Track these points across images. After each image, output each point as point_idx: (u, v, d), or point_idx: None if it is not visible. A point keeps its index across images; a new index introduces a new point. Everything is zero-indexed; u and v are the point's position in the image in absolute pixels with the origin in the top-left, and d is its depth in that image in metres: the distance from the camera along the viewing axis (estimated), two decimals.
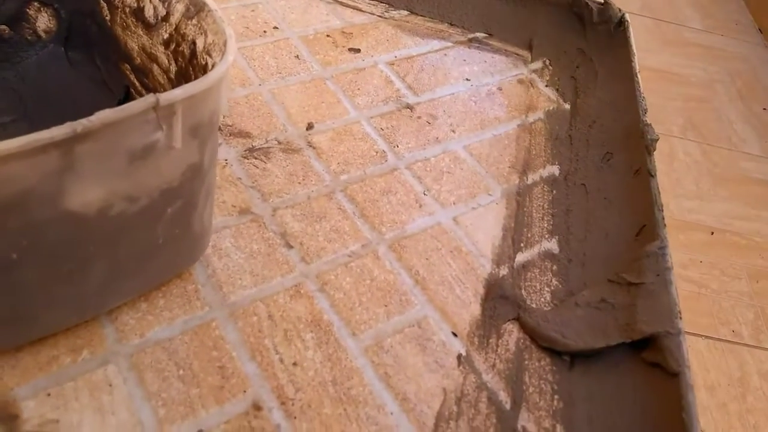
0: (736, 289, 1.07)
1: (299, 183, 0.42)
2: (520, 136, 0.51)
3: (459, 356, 0.35)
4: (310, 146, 0.45)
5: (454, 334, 0.36)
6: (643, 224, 0.43)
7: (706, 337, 0.99)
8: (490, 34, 0.61)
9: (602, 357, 0.36)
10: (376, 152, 0.46)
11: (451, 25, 0.61)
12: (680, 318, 0.36)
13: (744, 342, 0.98)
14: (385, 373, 0.33)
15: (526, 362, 0.36)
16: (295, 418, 0.30)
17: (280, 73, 0.50)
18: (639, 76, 0.55)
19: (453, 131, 0.50)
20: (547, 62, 0.60)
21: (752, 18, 1.96)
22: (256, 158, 0.42)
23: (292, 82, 0.49)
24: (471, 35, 0.60)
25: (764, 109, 1.67)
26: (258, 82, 0.48)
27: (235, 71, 0.48)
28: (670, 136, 1.53)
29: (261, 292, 0.35)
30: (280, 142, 0.44)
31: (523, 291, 0.39)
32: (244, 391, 0.31)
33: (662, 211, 0.43)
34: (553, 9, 0.64)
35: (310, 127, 0.46)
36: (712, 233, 1.20)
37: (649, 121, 0.49)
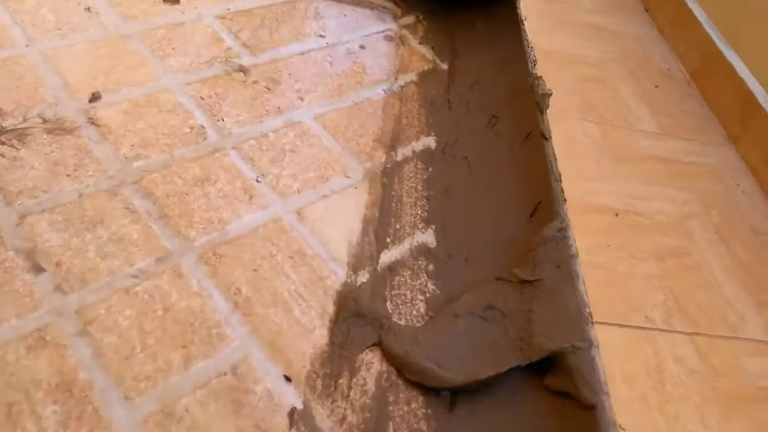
0: (644, 272, 1.03)
1: (68, 175, 0.30)
2: (388, 103, 0.41)
3: (292, 412, 0.24)
4: (92, 123, 0.32)
5: (288, 378, 0.25)
6: (539, 201, 0.34)
7: (620, 325, 0.94)
8: None
9: (492, 388, 0.26)
10: (191, 128, 0.34)
11: None
12: (591, 324, 0.27)
13: (657, 327, 0.94)
14: None
15: (391, 408, 0.25)
16: None
17: (59, 29, 0.37)
18: (525, 24, 0.46)
19: (301, 99, 0.39)
20: (421, 17, 0.50)
21: None
22: (4, 144, 0.30)
23: (76, 41, 0.37)
24: None
25: (656, 86, 1.67)
26: (24, 42, 0.35)
27: None
28: (569, 118, 1.49)
29: None
30: (45, 120, 0.32)
31: (388, 303, 0.29)
32: None
33: (560, 181, 0.33)
34: None
35: (95, 98, 0.34)
36: (617, 215, 1.16)
37: (539, 74, 0.40)
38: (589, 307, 0.28)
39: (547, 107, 0.38)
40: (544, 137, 0.35)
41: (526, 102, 0.39)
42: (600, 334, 0.30)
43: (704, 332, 0.95)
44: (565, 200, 0.32)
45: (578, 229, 0.31)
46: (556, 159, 0.34)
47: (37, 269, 0.26)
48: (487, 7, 0.48)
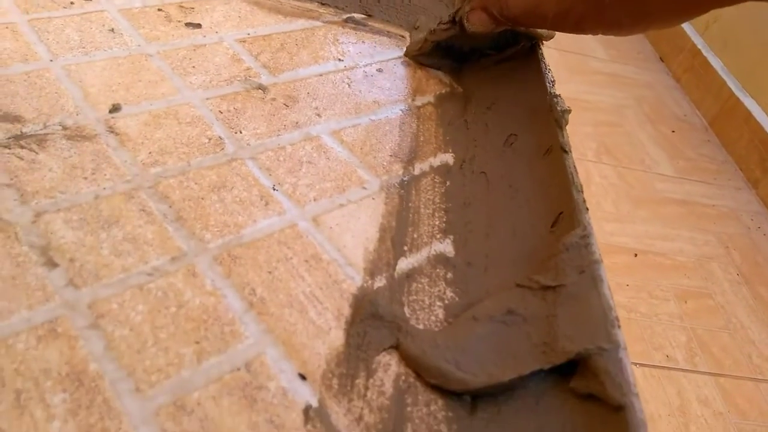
0: (665, 311, 1.00)
1: (85, 178, 0.30)
2: (405, 122, 0.41)
3: (307, 409, 0.23)
4: (111, 132, 0.33)
5: (303, 377, 0.24)
6: (560, 211, 0.33)
7: (641, 364, 0.91)
8: (369, 15, 0.52)
9: (515, 393, 0.25)
10: (209, 139, 0.34)
11: (323, 4, 0.51)
12: (618, 327, 0.26)
13: (679, 367, 0.92)
14: None
15: (409, 409, 0.24)
16: None
17: (83, 47, 0.38)
18: (542, 47, 0.46)
19: (318, 115, 0.39)
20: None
21: (653, 48, 2.01)
22: (23, 147, 0.30)
23: (98, 57, 0.37)
24: (346, 15, 0.51)
25: (672, 131, 1.67)
26: (48, 57, 0.36)
27: (13, 44, 0.36)
28: (585, 160, 1.49)
29: None
30: (65, 128, 0.32)
31: (406, 308, 0.28)
32: None
33: (582, 192, 0.33)
34: None
35: (115, 108, 0.34)
36: (636, 255, 1.14)
37: (557, 93, 0.40)
38: (615, 311, 0.27)
39: (566, 123, 0.38)
40: (564, 151, 0.35)
41: (545, 119, 0.39)
42: None
43: (729, 373, 0.92)
44: (588, 209, 0.32)
45: None
46: (576, 171, 0.34)
47: (51, 264, 0.25)
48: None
